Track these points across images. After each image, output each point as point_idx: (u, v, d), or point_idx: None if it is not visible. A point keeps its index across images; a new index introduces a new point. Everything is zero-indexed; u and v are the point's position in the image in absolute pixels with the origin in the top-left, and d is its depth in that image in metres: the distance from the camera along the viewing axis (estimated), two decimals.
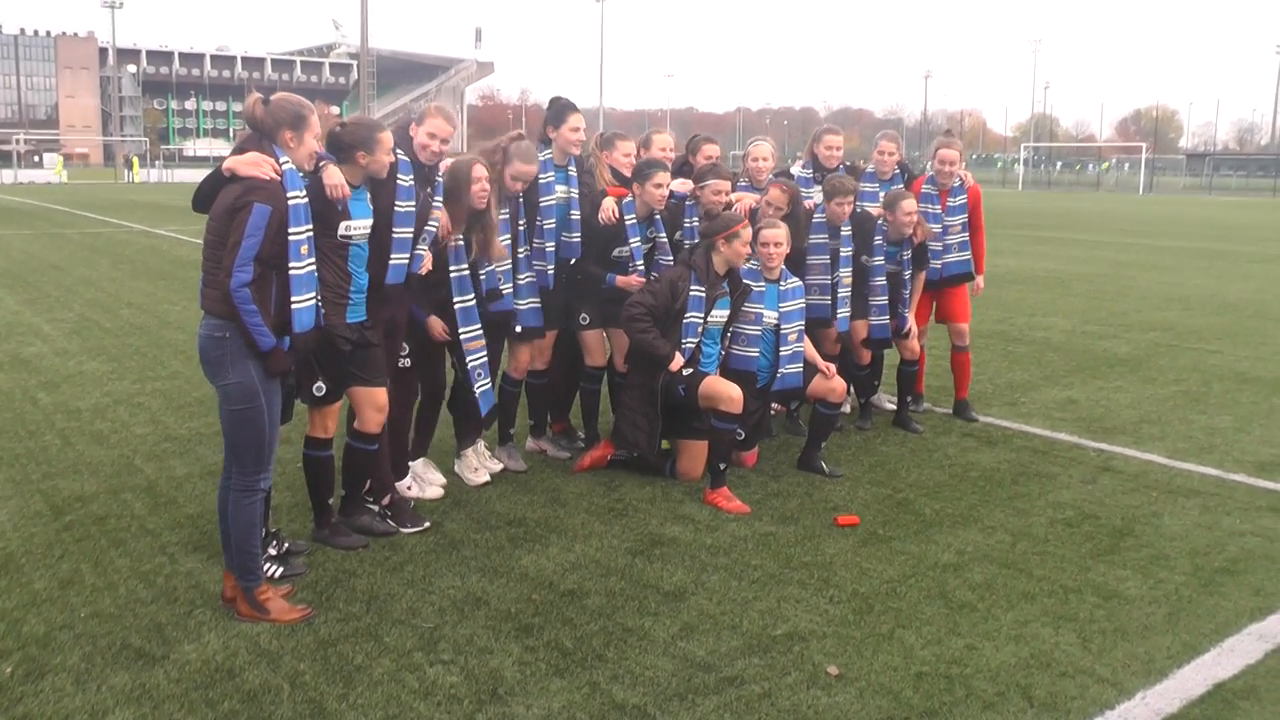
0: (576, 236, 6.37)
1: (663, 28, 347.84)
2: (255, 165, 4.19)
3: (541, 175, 6.22)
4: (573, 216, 6.36)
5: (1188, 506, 6.01)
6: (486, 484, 6.18)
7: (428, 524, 5.52)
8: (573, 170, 6.41)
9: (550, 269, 6.32)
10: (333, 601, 4.59)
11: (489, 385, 5.94)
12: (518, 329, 6.20)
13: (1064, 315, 13.19)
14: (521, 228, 6.16)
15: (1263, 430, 7.69)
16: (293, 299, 4.34)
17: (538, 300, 6.27)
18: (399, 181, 5.15)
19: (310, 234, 4.38)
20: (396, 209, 5.16)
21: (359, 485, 5.41)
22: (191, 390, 8.42)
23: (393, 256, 5.18)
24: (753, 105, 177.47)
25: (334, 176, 4.69)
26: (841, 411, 6.86)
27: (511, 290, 6.11)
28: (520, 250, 6.17)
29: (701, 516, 5.72)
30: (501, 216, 5.92)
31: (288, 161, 4.31)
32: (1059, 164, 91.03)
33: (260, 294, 4.14)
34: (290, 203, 4.25)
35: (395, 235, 5.18)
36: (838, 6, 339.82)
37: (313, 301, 4.45)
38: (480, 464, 6.31)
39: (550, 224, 6.28)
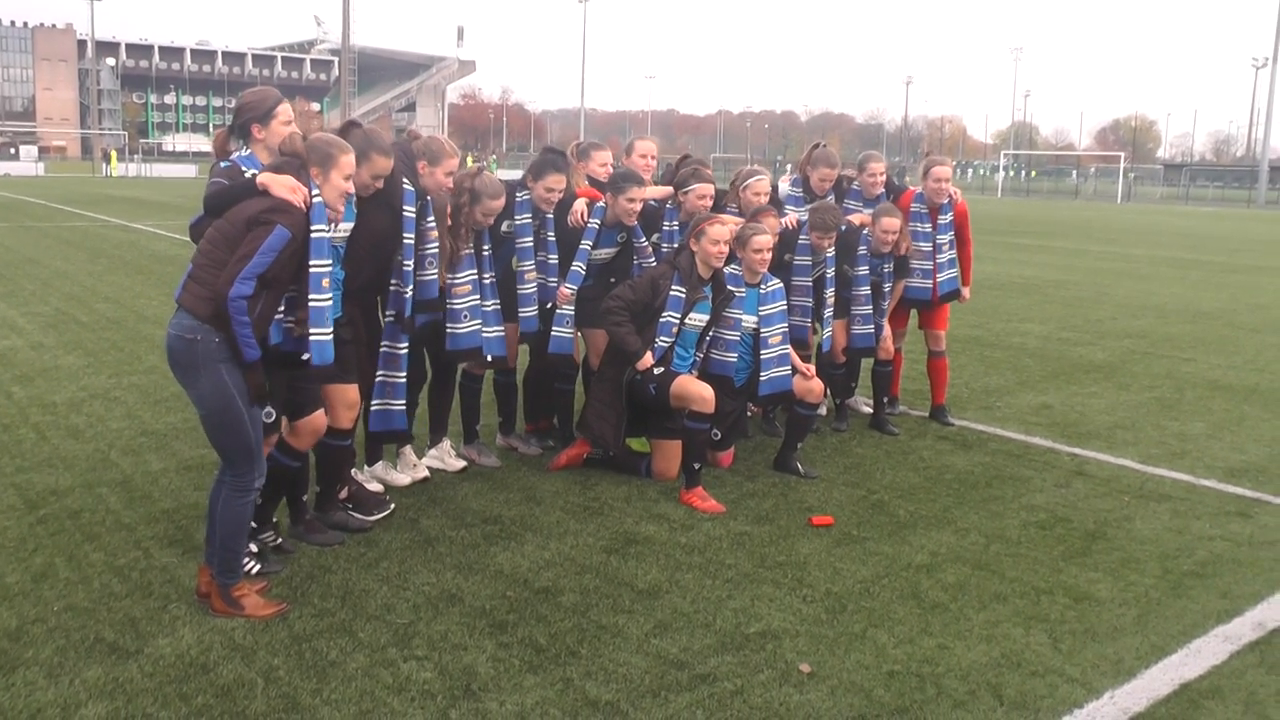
0: (554, 280, 6.37)
1: (645, 29, 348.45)
2: (291, 190, 4.22)
3: (518, 216, 6.21)
4: (550, 260, 6.35)
5: (1159, 511, 6.08)
6: (425, 479, 6.16)
7: (392, 506, 5.59)
8: (550, 214, 6.33)
9: (532, 311, 6.29)
10: (308, 597, 4.59)
11: (386, 407, 5.63)
12: (489, 357, 6.11)
13: (1040, 321, 13.30)
14: (486, 253, 6.06)
15: (1233, 437, 7.79)
16: (312, 331, 4.41)
17: (502, 329, 6.16)
18: (405, 214, 5.26)
19: (331, 269, 4.45)
20: (404, 240, 5.31)
21: (334, 482, 5.42)
22: (168, 385, 8.36)
23: (405, 289, 5.40)
24: (734, 108, 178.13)
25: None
26: (818, 413, 6.90)
27: (477, 324, 5.98)
28: (486, 277, 6.05)
29: (676, 515, 5.74)
30: (465, 253, 5.91)
31: (319, 195, 4.36)
32: (1035, 172, 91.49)
33: (251, 307, 4.15)
34: (314, 235, 4.31)
35: (404, 266, 5.36)
36: (820, 11, 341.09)
37: (329, 337, 4.48)
38: (440, 455, 6.36)
39: (527, 266, 6.23)
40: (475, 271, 5.97)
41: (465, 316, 5.95)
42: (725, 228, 6.15)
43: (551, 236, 6.34)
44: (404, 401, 5.73)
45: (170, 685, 3.84)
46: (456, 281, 5.87)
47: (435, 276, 5.59)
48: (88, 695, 3.76)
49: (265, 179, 4.24)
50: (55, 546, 5.10)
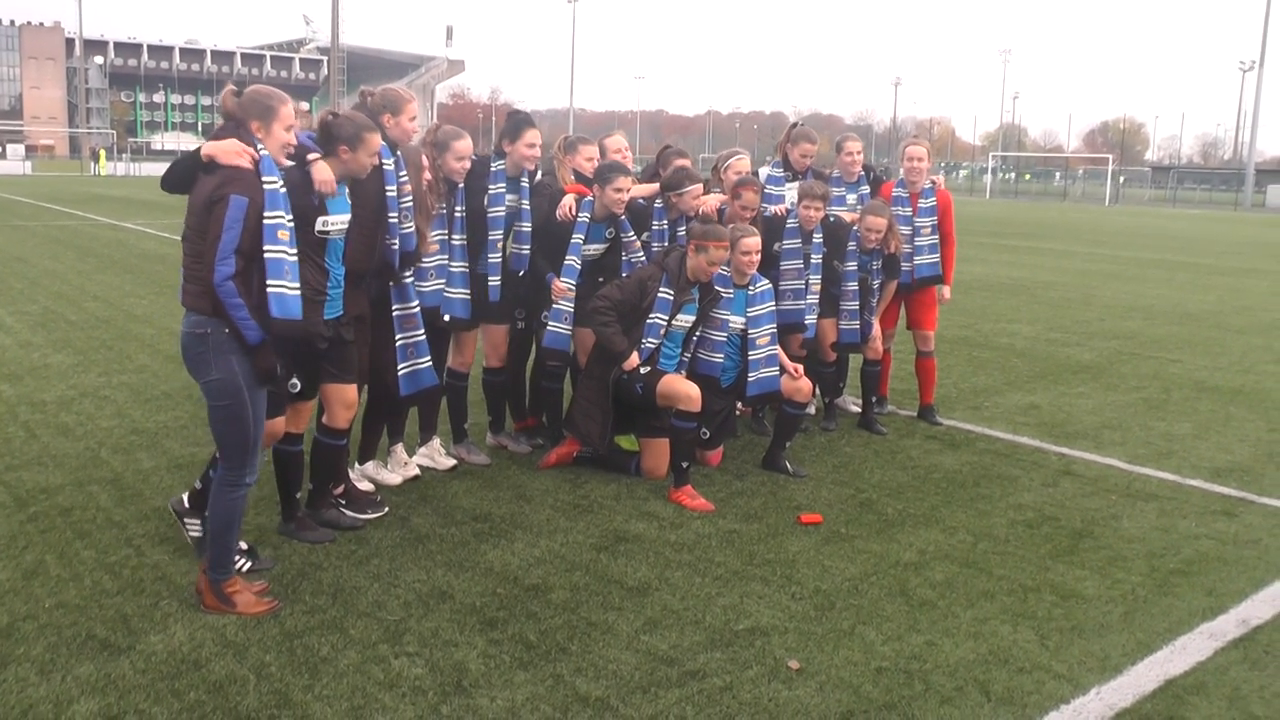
0: (526, 249, 6.38)
1: (634, 29, 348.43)
2: (237, 154, 4.20)
3: (492, 186, 6.21)
4: (523, 229, 6.36)
5: (1145, 510, 6.12)
6: (416, 477, 6.18)
7: (386, 509, 5.60)
8: (525, 182, 6.36)
9: (496, 280, 6.28)
10: (299, 594, 4.61)
11: (413, 368, 5.66)
12: (445, 318, 6.12)
13: (1029, 322, 13.35)
14: (459, 215, 6.08)
15: (1219, 437, 7.84)
16: (268, 282, 4.22)
17: (467, 291, 6.17)
18: (384, 167, 5.22)
19: (288, 220, 4.34)
20: (387, 193, 5.26)
21: (326, 480, 5.43)
22: (158, 384, 8.38)
23: (388, 240, 5.30)
24: (723, 109, 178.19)
25: (323, 173, 4.73)
26: (806, 412, 6.94)
27: (440, 283, 6.04)
28: (455, 238, 6.09)
29: (666, 513, 5.77)
30: (439, 212, 5.93)
31: (264, 149, 4.31)
32: (1028, 175, 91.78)
33: (244, 287, 4.15)
34: (266, 189, 4.24)
35: (389, 219, 5.29)
36: (809, 11, 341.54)
37: (294, 291, 4.31)
38: (430, 453, 6.39)
39: (496, 235, 6.24)
40: (445, 231, 6.00)
41: (430, 275, 5.98)
42: (727, 252, 6.19)
43: (526, 204, 6.34)
44: (429, 358, 5.72)
45: (162, 681, 3.85)
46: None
47: (413, 228, 5.53)
48: (79, 692, 3.77)
49: (209, 149, 4.22)
50: (46, 544, 5.10)
